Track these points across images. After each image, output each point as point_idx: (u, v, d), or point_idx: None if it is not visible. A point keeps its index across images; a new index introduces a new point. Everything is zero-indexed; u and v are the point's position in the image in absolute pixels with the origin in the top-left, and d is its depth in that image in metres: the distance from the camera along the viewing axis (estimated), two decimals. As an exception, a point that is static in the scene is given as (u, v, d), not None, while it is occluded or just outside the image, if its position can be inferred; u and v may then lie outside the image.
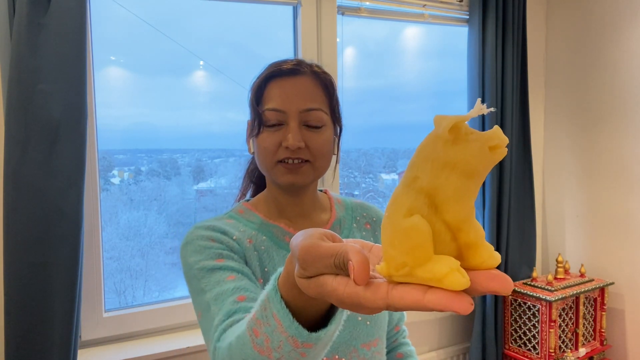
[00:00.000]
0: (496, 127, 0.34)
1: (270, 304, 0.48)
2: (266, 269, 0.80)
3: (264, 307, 0.49)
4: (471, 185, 0.35)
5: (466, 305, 0.32)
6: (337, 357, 0.80)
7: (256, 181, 0.98)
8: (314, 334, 0.47)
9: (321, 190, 0.96)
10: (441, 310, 0.32)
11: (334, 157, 0.88)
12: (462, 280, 0.32)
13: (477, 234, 0.35)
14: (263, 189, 0.93)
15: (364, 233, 0.92)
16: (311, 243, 0.40)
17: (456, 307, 0.32)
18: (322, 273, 0.39)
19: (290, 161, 0.79)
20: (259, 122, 0.80)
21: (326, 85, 0.83)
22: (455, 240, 0.36)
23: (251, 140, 0.84)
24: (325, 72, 0.84)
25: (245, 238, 0.81)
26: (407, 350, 0.99)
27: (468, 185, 0.35)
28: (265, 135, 0.79)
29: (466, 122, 0.34)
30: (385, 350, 0.89)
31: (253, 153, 0.86)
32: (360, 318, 0.82)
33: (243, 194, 0.99)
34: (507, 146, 0.36)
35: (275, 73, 0.80)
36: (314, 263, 0.39)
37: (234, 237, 0.80)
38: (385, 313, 0.89)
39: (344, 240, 0.43)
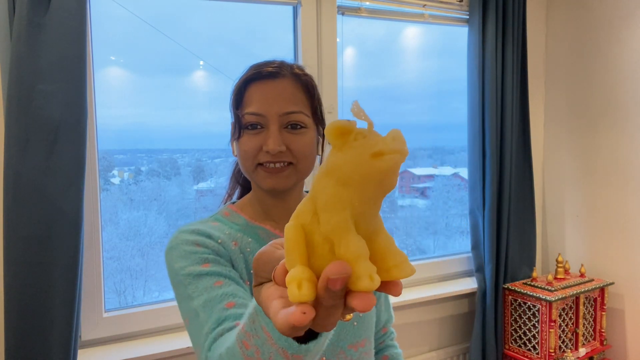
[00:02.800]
0: (393, 131, 0.32)
1: (258, 317, 0.48)
2: (252, 271, 0.80)
3: (252, 319, 0.49)
4: (344, 194, 0.32)
5: (297, 316, 0.32)
6: (324, 358, 0.79)
7: (243, 183, 0.98)
8: (303, 346, 0.46)
9: (307, 192, 0.96)
10: (287, 324, 0.33)
11: (318, 158, 0.88)
12: (295, 292, 0.32)
13: (350, 250, 0.32)
14: (249, 190, 0.93)
15: None
16: (263, 250, 0.41)
17: (291, 319, 0.32)
18: (268, 280, 0.40)
19: (271, 165, 0.79)
20: (239, 126, 0.80)
21: (307, 86, 0.82)
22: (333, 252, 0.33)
23: (234, 143, 0.84)
24: (306, 74, 0.83)
25: (231, 241, 0.81)
26: (393, 352, 0.98)
27: (341, 195, 0.32)
28: (246, 138, 0.79)
29: (364, 127, 0.32)
30: (373, 351, 0.89)
31: (236, 155, 0.85)
32: None
33: (230, 196, 0.99)
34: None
35: (255, 76, 0.80)
36: (260, 271, 0.40)
37: (219, 241, 0.79)
38: (372, 313, 0.89)
39: None
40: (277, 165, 0.79)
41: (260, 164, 0.79)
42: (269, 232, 0.84)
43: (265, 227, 0.85)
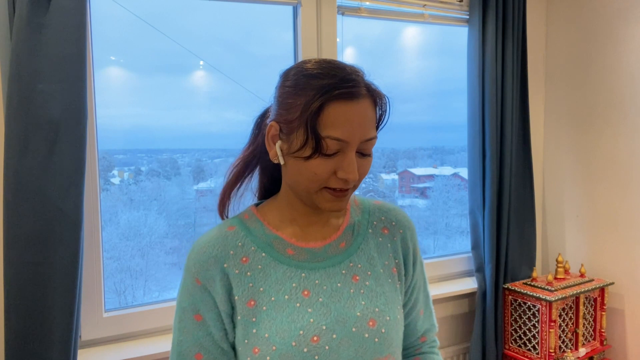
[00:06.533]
0: None
1: None
2: (261, 289, 0.77)
3: None
4: None
5: None
6: None
7: (268, 184, 0.93)
8: None
9: None
10: None
11: None
12: None
13: None
14: (270, 184, 0.90)
15: (380, 239, 0.87)
16: None
17: None
18: None
19: (339, 189, 0.75)
20: (315, 148, 0.72)
21: (376, 104, 0.78)
22: None
23: (278, 146, 0.77)
24: (376, 90, 0.78)
25: (241, 256, 0.79)
26: (429, 357, 0.95)
27: None
28: (320, 161, 0.72)
29: None
30: None
31: (278, 162, 0.79)
32: (367, 335, 0.76)
33: (260, 190, 0.93)
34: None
35: (338, 96, 0.72)
36: None
37: (225, 265, 0.77)
38: (399, 326, 0.83)
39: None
40: (345, 189, 0.76)
41: (327, 187, 0.75)
42: (285, 241, 0.81)
43: (282, 237, 0.82)
